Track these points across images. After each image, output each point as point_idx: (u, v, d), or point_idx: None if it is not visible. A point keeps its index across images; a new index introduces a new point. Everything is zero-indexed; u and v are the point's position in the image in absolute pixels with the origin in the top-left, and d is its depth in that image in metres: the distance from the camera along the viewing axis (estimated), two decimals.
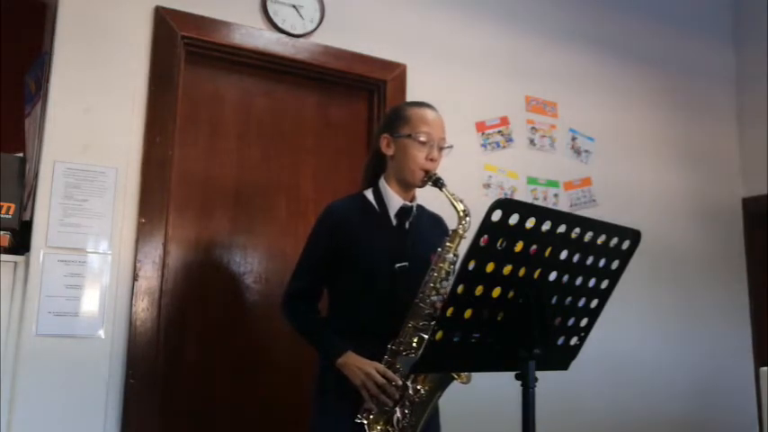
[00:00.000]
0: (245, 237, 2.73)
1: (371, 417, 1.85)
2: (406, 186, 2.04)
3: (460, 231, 1.90)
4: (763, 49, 3.89)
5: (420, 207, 2.11)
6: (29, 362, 2.21)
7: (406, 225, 2.03)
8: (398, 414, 1.84)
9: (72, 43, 2.43)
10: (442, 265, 1.89)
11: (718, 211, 3.83)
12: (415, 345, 1.87)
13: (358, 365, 1.87)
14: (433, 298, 1.87)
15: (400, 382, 1.84)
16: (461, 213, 1.91)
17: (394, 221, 2.02)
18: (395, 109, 2.13)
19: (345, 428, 1.87)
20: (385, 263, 1.95)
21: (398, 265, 1.94)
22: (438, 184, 1.96)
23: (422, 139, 1.98)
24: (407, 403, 1.85)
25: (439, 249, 1.91)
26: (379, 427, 1.85)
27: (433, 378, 1.86)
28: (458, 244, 1.90)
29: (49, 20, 2.66)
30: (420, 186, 2.03)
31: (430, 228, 2.08)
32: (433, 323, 1.82)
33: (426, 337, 1.82)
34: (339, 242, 1.98)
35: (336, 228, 1.99)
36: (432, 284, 1.88)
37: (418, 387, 1.86)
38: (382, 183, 2.06)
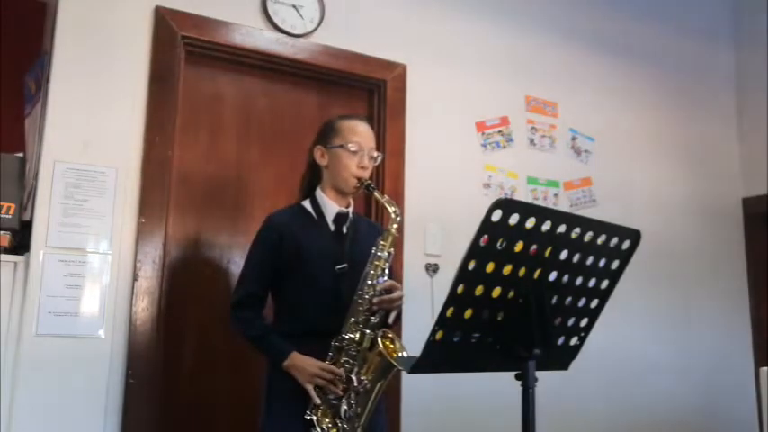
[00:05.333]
0: (245, 237, 2.73)
1: (320, 412, 1.96)
2: (341, 194, 2.16)
3: (393, 231, 2.05)
4: (763, 49, 3.89)
5: (356, 213, 2.23)
6: (29, 362, 2.21)
7: (344, 230, 2.14)
8: (345, 406, 1.95)
9: (72, 43, 2.43)
10: (377, 263, 2.01)
11: (718, 211, 3.83)
12: (357, 340, 1.98)
13: (304, 366, 1.97)
14: (370, 294, 1.99)
15: (345, 377, 1.95)
16: (393, 215, 2.05)
17: (332, 227, 2.13)
18: (327, 122, 2.24)
19: (294, 427, 1.96)
20: (326, 266, 2.06)
21: (338, 267, 2.06)
22: (370, 189, 2.11)
23: (352, 148, 2.11)
24: (353, 394, 1.96)
25: (374, 249, 2.03)
26: (327, 420, 1.96)
27: (376, 368, 1.96)
28: (391, 243, 2.04)
29: (49, 20, 2.66)
30: (353, 193, 2.16)
31: (366, 231, 2.19)
32: (372, 318, 1.99)
33: (368, 332, 1.98)
34: (281, 249, 2.08)
35: (278, 236, 2.10)
36: (369, 282, 2.00)
37: (362, 378, 1.96)
38: (319, 192, 2.18)
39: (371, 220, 2.34)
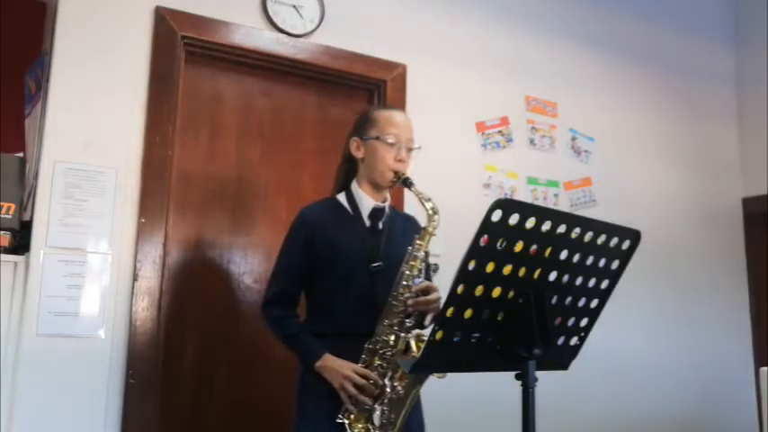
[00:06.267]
0: (245, 237, 2.73)
1: (352, 416, 1.88)
2: (377, 188, 2.07)
3: (430, 229, 1.93)
4: (763, 49, 3.89)
5: (392, 208, 2.15)
6: (29, 362, 2.21)
7: (380, 225, 2.06)
8: (378, 412, 1.87)
9: (72, 43, 2.43)
10: (413, 263, 1.91)
11: (718, 211, 3.83)
12: (391, 343, 1.90)
13: (336, 368, 1.90)
14: (405, 296, 1.90)
15: (380, 382, 1.87)
16: (430, 212, 1.93)
17: (367, 223, 2.05)
18: (363, 113, 2.16)
19: (326, 429, 1.90)
20: (360, 264, 1.98)
21: (373, 265, 1.98)
22: (407, 183, 1.99)
23: (390, 140, 2.02)
24: (386, 401, 1.88)
25: (410, 248, 1.93)
26: (359, 426, 1.88)
27: (410, 375, 1.88)
28: (428, 242, 1.94)
29: (48, 20, 2.66)
30: (390, 187, 2.07)
31: (403, 227, 2.11)
32: (407, 320, 1.89)
33: (402, 334, 1.89)
34: (314, 246, 2.01)
35: (311, 232, 2.02)
36: (404, 283, 1.90)
37: (395, 384, 1.88)
38: (354, 185, 2.09)
39: (408, 214, 2.23)
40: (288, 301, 2.03)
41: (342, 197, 2.10)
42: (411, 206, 2.24)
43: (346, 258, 1.98)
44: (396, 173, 2.01)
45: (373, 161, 2.04)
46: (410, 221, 2.18)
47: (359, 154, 2.08)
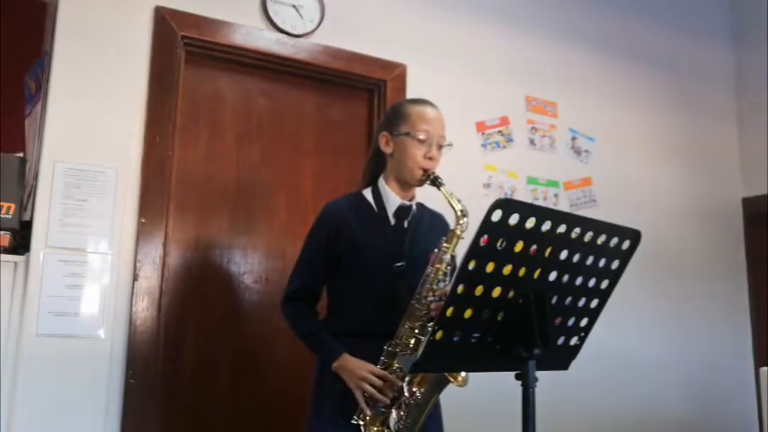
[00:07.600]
0: (245, 237, 2.73)
1: (368, 418, 1.86)
2: (405, 185, 2.03)
3: (458, 232, 1.88)
4: (763, 49, 3.89)
5: (420, 205, 2.09)
6: (29, 362, 2.22)
7: (405, 224, 2.01)
8: (394, 416, 1.83)
9: (72, 43, 2.43)
10: (438, 266, 1.86)
11: (718, 211, 3.83)
12: (411, 346, 1.86)
13: (353, 368, 1.87)
14: (429, 299, 1.85)
15: (398, 384, 1.84)
16: (459, 213, 1.87)
17: (392, 221, 2.01)
18: (394, 106, 2.11)
19: (342, 430, 1.87)
20: (383, 262, 1.94)
21: (396, 264, 1.94)
22: (436, 183, 1.93)
23: (421, 137, 1.96)
24: (403, 405, 1.85)
25: (436, 250, 1.88)
26: (375, 429, 1.85)
27: (429, 381, 1.85)
28: (455, 245, 1.88)
29: (49, 20, 2.66)
30: (418, 185, 2.01)
31: (430, 226, 2.06)
32: (429, 324, 1.83)
33: (423, 338, 1.81)
34: (337, 242, 1.97)
35: (334, 228, 1.98)
36: (428, 285, 1.86)
37: (414, 389, 1.84)
38: (381, 182, 2.05)
39: (436, 212, 2.14)
40: (308, 297, 2.01)
41: (368, 193, 2.05)
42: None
43: (369, 256, 1.94)
44: (425, 171, 1.96)
45: (403, 158, 1.98)
46: (438, 220, 2.12)
47: (388, 149, 2.03)
